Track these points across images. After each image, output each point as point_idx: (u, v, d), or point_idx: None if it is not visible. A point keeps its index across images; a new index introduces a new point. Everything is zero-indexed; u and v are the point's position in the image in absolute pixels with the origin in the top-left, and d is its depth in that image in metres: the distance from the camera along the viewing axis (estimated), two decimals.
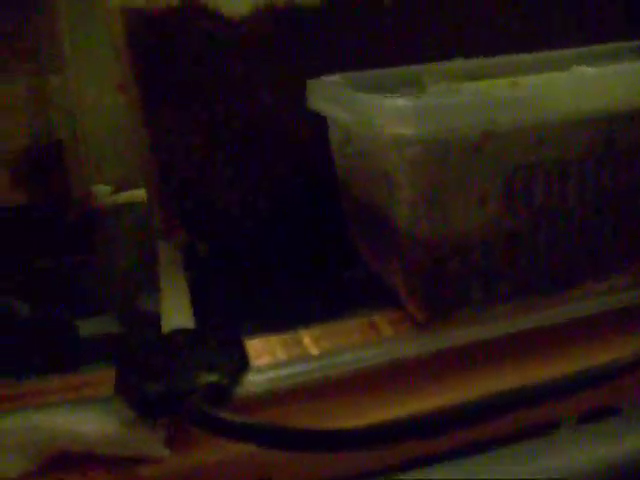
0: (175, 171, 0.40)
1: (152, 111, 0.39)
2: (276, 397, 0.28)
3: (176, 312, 0.34)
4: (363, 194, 0.33)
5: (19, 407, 0.27)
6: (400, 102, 0.25)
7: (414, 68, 0.37)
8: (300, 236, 0.41)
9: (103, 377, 0.29)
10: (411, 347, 0.30)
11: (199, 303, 0.36)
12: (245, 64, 0.38)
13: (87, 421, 0.26)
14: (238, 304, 0.36)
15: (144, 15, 0.38)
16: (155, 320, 0.34)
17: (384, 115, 0.25)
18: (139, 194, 0.65)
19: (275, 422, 0.24)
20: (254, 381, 0.27)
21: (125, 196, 0.67)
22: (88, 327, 0.36)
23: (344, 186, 0.37)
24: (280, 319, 0.34)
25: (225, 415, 0.24)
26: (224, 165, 0.40)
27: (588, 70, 0.36)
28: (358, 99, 0.28)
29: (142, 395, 0.25)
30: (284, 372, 0.28)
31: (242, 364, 0.28)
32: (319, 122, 0.36)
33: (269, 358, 0.29)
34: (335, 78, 0.35)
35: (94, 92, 0.62)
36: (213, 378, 0.26)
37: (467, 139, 0.27)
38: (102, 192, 0.62)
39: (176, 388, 0.25)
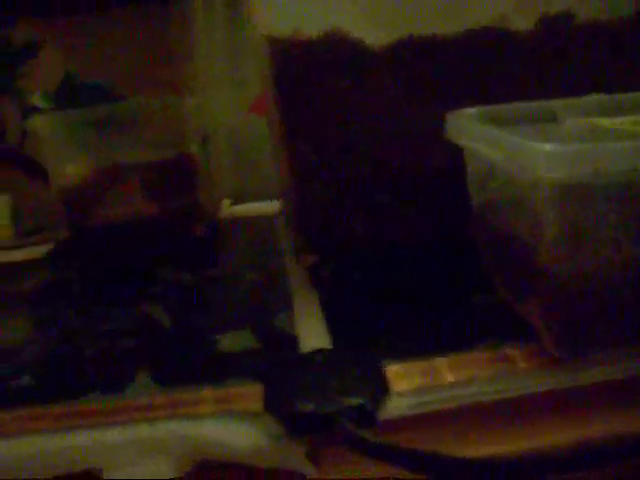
0: (312, 197, 0.42)
1: (292, 135, 0.41)
2: (415, 422, 0.29)
3: (312, 332, 0.36)
4: (503, 226, 0.34)
5: (172, 415, 0.30)
6: (552, 147, 0.26)
7: (549, 103, 0.38)
8: (428, 261, 0.42)
9: (249, 391, 0.30)
10: (545, 381, 0.30)
11: (331, 323, 0.38)
12: (385, 94, 0.40)
13: (237, 433, 0.28)
14: (368, 326, 0.37)
15: (289, 44, 0.40)
16: (292, 339, 0.36)
17: (536, 157, 0.26)
18: (255, 207, 0.67)
19: (421, 447, 0.25)
20: (394, 406, 0.29)
21: (243, 209, 0.69)
22: (227, 341, 0.38)
23: (480, 216, 0.37)
24: (409, 343, 0.34)
25: (373, 437, 0.25)
26: (357, 191, 0.41)
27: None
28: (506, 138, 0.29)
29: (292, 413, 0.27)
30: (423, 399, 0.29)
31: (382, 389, 0.29)
32: (454, 152, 0.37)
33: (407, 384, 0.30)
34: (475, 110, 0.36)
35: (224, 112, 0.65)
36: (358, 401, 0.27)
37: (614, 183, 0.27)
38: (223, 205, 0.64)
39: (324, 408, 0.27)
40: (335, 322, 0.37)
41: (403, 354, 0.32)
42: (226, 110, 0.68)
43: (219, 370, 0.34)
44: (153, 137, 0.57)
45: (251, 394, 0.30)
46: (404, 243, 0.43)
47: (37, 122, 0.58)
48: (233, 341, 0.37)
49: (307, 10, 0.39)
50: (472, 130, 0.34)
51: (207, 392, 0.31)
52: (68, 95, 0.70)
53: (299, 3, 0.39)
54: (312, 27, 0.39)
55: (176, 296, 0.46)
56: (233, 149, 0.73)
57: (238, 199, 0.74)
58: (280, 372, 0.30)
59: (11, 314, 0.46)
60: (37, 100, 0.68)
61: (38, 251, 0.63)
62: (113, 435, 0.28)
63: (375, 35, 0.40)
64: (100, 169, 0.57)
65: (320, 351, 0.33)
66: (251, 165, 0.72)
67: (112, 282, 0.51)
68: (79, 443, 0.28)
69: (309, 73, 0.40)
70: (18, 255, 0.63)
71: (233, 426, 0.28)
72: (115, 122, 0.56)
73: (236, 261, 0.55)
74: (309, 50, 0.40)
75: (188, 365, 0.35)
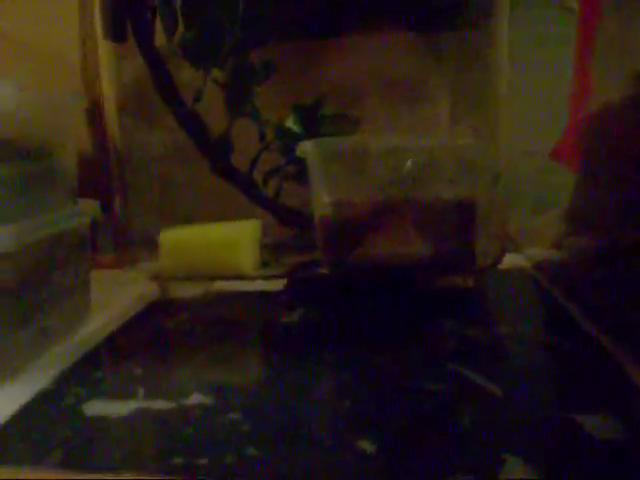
0: None
1: None
2: None
3: None
4: None
5: None
6: None
7: None
8: None
9: None
10: None
11: None
12: None
13: None
14: None
15: None
16: None
17: None
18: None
19: None
20: None
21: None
22: (591, 425, 0.30)
23: None
24: None
25: None
26: None
27: None
28: None
29: None
30: None
31: None
32: None
33: None
34: None
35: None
36: None
37: None
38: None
39: None
40: None
41: None
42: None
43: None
44: (434, 173, 0.51)
45: None
46: None
47: (308, 147, 0.53)
48: (598, 426, 0.29)
49: None
50: None
51: None
52: (314, 119, 0.66)
53: None
54: None
55: (484, 356, 0.39)
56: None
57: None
58: None
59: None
60: (291, 123, 0.64)
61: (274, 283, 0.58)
62: None
63: None
64: (372, 202, 0.51)
65: None
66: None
67: (387, 328, 0.45)
68: None
69: None
70: (258, 285, 0.58)
71: None
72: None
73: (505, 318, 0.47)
74: None
75: (563, 454, 0.27)
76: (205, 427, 0.31)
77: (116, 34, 0.63)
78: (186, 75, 0.69)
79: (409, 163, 0.50)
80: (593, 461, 0.27)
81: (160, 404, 0.34)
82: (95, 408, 0.34)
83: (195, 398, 0.35)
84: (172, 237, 0.61)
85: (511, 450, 0.28)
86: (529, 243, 0.66)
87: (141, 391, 0.36)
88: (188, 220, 0.66)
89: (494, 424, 0.31)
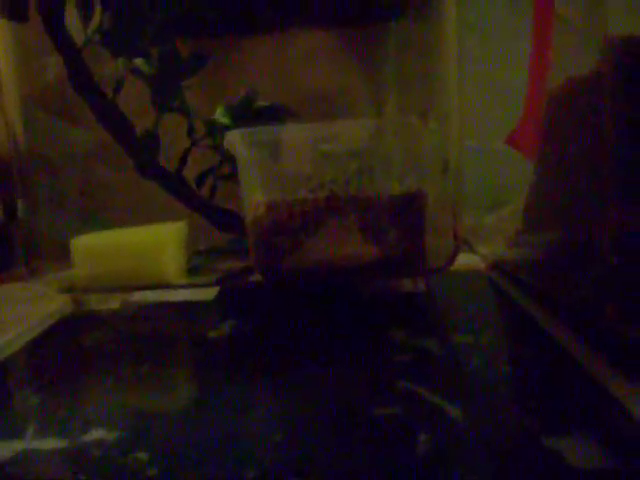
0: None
1: None
2: None
3: None
4: None
5: None
6: None
7: None
8: None
9: None
10: None
11: None
12: None
13: None
14: None
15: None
16: None
17: None
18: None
19: None
20: None
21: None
22: (569, 451, 0.25)
23: None
24: None
25: None
26: None
27: None
28: None
29: None
30: None
31: None
32: None
33: None
34: None
35: None
36: None
37: None
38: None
39: None
40: None
41: None
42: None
43: None
44: (380, 167, 0.45)
45: None
46: None
47: (234, 137, 0.47)
48: (579, 452, 0.24)
49: None
50: None
51: None
52: (247, 113, 0.60)
53: None
54: None
55: (440, 371, 0.34)
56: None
57: None
58: None
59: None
60: (220, 115, 0.58)
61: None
62: None
63: None
64: (309, 201, 0.45)
65: None
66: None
67: (329, 341, 0.39)
68: None
69: None
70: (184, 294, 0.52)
71: None
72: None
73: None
74: None
75: None
76: (100, 471, 0.25)
77: (13, 11, 0.55)
78: (110, 68, 0.62)
79: (353, 164, 0.45)
80: None
81: (51, 443, 0.27)
82: None
83: (96, 434, 0.28)
84: (85, 243, 0.54)
85: None
86: (481, 242, 0.62)
87: (31, 427, 0.29)
88: (112, 227, 0.59)
89: (455, 454, 0.25)
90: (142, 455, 0.26)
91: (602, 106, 0.31)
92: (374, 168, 0.46)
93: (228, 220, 0.63)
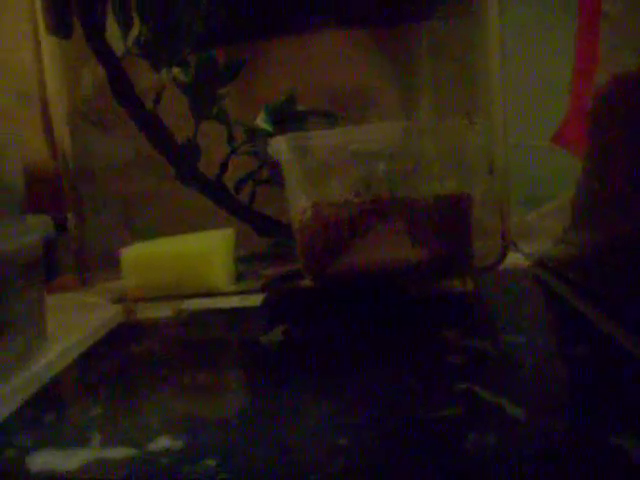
0: None
1: None
2: None
3: None
4: None
5: None
6: None
7: None
8: None
9: None
10: None
11: None
12: None
13: None
14: None
15: None
16: None
17: None
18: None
19: None
20: None
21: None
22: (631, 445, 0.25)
23: None
24: None
25: None
26: None
27: None
28: None
29: None
30: None
31: None
32: None
33: None
34: None
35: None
36: None
37: None
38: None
39: None
40: None
41: None
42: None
43: None
44: (424, 169, 0.45)
45: None
46: None
47: (280, 143, 0.47)
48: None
49: None
50: None
51: None
52: (288, 118, 0.60)
53: None
54: None
55: (496, 371, 0.33)
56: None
57: None
58: None
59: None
60: (261, 121, 0.58)
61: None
62: None
63: None
64: (353, 204, 0.45)
65: None
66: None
67: (382, 343, 0.39)
68: None
69: None
70: (234, 301, 0.53)
71: None
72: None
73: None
74: None
75: None
76: (173, 478, 0.25)
77: (60, 28, 0.56)
78: (147, 79, 0.63)
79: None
80: None
81: (118, 452, 0.28)
82: (40, 461, 0.28)
83: (162, 442, 0.29)
84: (135, 253, 0.54)
85: None
86: (523, 240, 0.61)
87: (97, 436, 0.30)
88: (154, 235, 0.60)
89: (522, 454, 0.25)
90: (210, 462, 0.27)
91: None
92: (418, 170, 0.46)
93: (268, 225, 0.63)
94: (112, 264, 0.55)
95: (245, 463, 0.26)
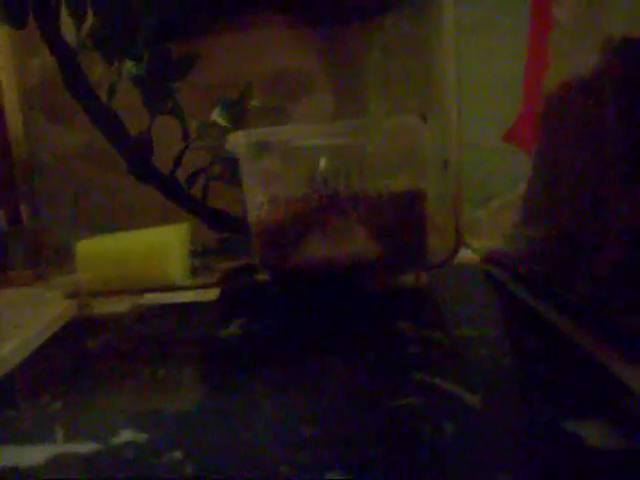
0: None
1: None
2: None
3: None
4: None
5: None
6: None
7: None
8: None
9: None
10: None
11: None
12: None
13: None
14: None
15: None
16: None
17: None
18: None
19: None
20: None
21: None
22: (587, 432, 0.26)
23: None
24: None
25: None
26: None
27: None
28: None
29: None
30: None
31: None
32: None
33: None
34: None
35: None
36: None
37: None
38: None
39: None
40: None
41: None
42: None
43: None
44: (380, 165, 0.46)
45: None
46: None
47: (237, 138, 0.48)
48: (595, 434, 0.25)
49: None
50: None
51: None
52: (243, 113, 0.61)
53: None
54: None
55: (452, 362, 0.35)
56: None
57: None
58: None
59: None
60: (217, 115, 0.58)
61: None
62: None
63: None
64: (310, 198, 0.46)
65: None
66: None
67: (339, 335, 0.40)
68: None
69: None
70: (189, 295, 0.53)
71: None
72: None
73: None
74: None
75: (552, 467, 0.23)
76: (137, 472, 0.25)
77: (11, 17, 0.55)
78: (101, 71, 0.62)
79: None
80: (596, 475, 0.23)
81: (83, 446, 0.28)
82: (5, 457, 0.27)
83: (126, 435, 0.29)
84: (90, 247, 0.54)
85: (507, 471, 0.23)
86: (472, 236, 0.63)
87: (59, 432, 0.30)
88: (108, 229, 0.59)
89: (480, 439, 0.26)
90: (177, 454, 0.27)
91: (603, 106, 0.32)
92: (374, 166, 0.47)
93: (222, 220, 0.64)
94: (67, 258, 0.55)
95: (212, 455, 0.27)
